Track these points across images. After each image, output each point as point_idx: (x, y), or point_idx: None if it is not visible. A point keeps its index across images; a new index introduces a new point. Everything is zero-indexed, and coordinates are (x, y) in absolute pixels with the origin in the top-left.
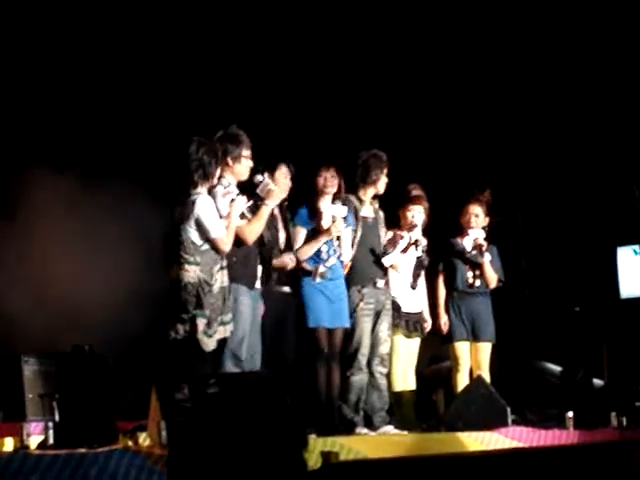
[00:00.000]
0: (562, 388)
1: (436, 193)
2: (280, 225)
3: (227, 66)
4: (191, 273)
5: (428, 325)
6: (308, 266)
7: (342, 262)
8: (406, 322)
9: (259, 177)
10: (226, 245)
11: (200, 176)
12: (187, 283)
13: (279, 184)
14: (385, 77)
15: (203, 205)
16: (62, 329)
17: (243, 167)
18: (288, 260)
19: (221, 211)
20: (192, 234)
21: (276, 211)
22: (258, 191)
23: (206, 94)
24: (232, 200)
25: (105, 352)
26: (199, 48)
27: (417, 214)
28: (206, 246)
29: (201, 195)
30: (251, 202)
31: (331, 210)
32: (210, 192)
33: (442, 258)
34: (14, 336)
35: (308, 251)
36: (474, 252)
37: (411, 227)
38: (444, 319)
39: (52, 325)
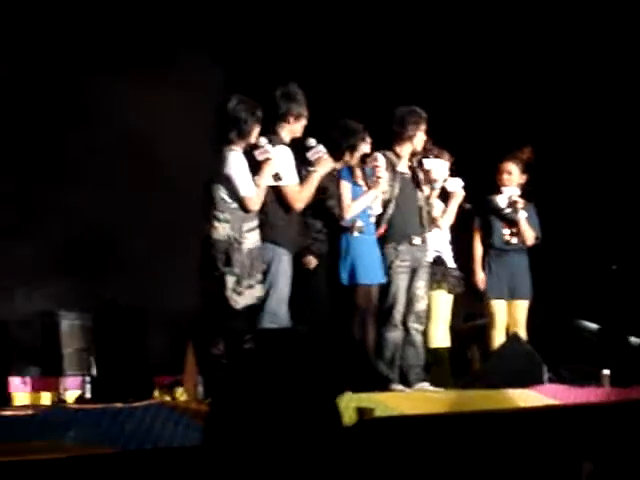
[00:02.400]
0: (599, 346)
1: (474, 150)
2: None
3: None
4: (220, 230)
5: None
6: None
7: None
8: (452, 278)
9: (311, 141)
10: (255, 205)
11: (236, 134)
12: (217, 240)
13: None
14: (425, 35)
15: (234, 162)
16: (99, 283)
17: (300, 126)
18: (311, 259)
19: (255, 170)
20: (222, 191)
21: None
22: (308, 155)
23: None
24: (267, 159)
25: (142, 307)
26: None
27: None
28: (235, 204)
29: (233, 152)
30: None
31: (381, 162)
32: (246, 151)
33: (478, 215)
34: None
35: (358, 207)
36: (509, 209)
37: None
38: (481, 276)
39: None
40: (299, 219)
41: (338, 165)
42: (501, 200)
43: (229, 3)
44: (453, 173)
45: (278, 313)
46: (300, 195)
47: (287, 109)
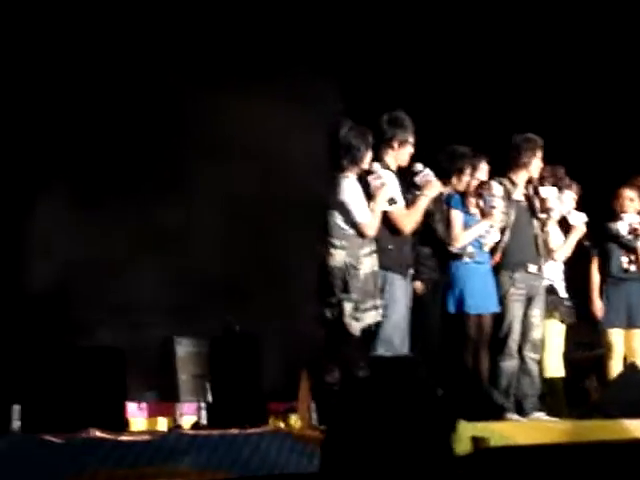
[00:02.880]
0: None
1: (588, 177)
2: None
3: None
4: (337, 257)
5: None
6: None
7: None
8: (565, 308)
9: (419, 166)
10: (371, 230)
11: (349, 160)
12: (334, 267)
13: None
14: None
15: (349, 189)
16: (213, 310)
17: (406, 152)
18: (419, 285)
19: (369, 196)
20: (338, 218)
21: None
22: (417, 180)
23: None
24: (382, 184)
25: (257, 333)
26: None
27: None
28: (352, 230)
29: (347, 179)
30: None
31: (497, 191)
32: (360, 177)
33: (596, 243)
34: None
35: (469, 236)
36: (630, 236)
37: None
38: (599, 305)
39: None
40: (410, 244)
41: (446, 190)
42: (622, 227)
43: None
44: (578, 207)
45: (392, 340)
46: (408, 219)
47: (392, 135)
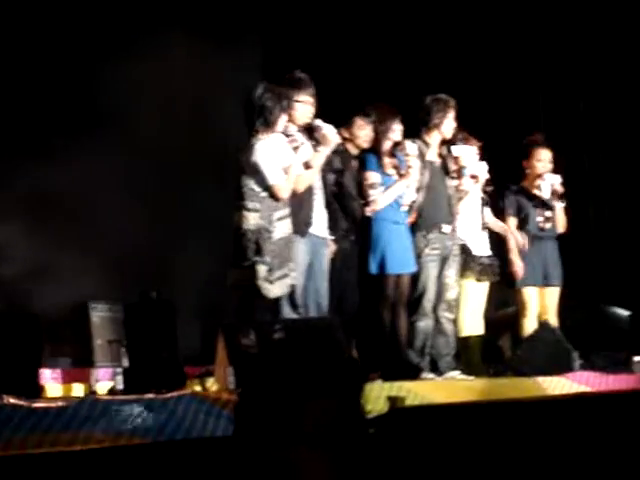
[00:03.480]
0: (630, 332)
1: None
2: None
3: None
4: (250, 220)
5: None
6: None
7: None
8: (478, 265)
9: (316, 122)
10: (284, 193)
11: (262, 123)
12: (247, 230)
13: (358, 137)
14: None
15: (262, 151)
16: (129, 276)
17: (299, 112)
18: (333, 246)
19: (284, 158)
20: (251, 180)
21: (353, 163)
22: (315, 136)
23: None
24: (296, 148)
25: (173, 298)
26: None
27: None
28: (265, 193)
29: (261, 141)
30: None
31: (412, 150)
32: (274, 139)
33: (513, 202)
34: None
35: (388, 198)
36: (550, 197)
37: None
38: (520, 264)
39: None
40: (308, 202)
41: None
42: (544, 187)
43: None
44: (480, 158)
45: (294, 300)
46: (303, 177)
47: (292, 95)
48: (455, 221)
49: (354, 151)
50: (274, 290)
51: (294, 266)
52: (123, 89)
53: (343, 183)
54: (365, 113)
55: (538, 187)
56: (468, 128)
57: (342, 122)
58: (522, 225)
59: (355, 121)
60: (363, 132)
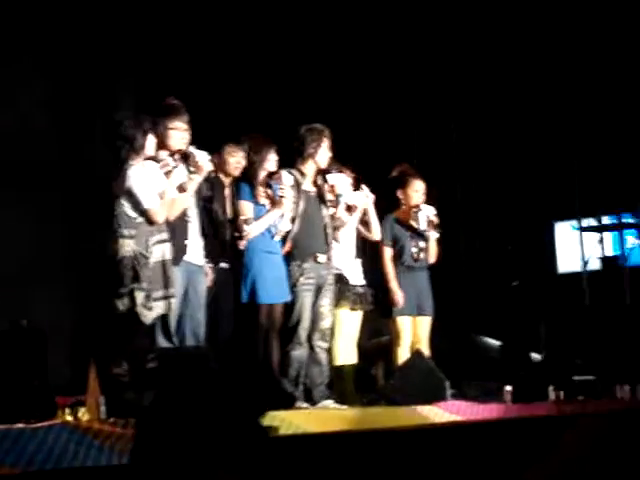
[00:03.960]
0: (501, 362)
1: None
2: (228, 202)
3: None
4: (126, 247)
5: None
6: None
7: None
8: (353, 295)
9: (190, 149)
10: (159, 216)
11: (128, 150)
12: (123, 257)
13: (228, 164)
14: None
15: (135, 176)
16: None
17: (173, 139)
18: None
19: (158, 183)
20: (125, 207)
21: (227, 192)
22: (189, 163)
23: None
24: (168, 172)
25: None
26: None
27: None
28: (140, 219)
29: (133, 166)
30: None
31: (286, 180)
32: (145, 164)
33: (389, 232)
34: None
35: (261, 226)
36: (426, 227)
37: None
38: (400, 293)
39: None
40: (183, 230)
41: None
42: (421, 218)
43: None
44: (355, 188)
45: (168, 328)
46: (175, 204)
47: (162, 122)
48: (330, 250)
49: (225, 179)
50: (151, 315)
51: (172, 291)
52: None
53: (212, 209)
54: (237, 140)
55: (414, 218)
56: (342, 159)
57: (213, 149)
58: (398, 256)
59: (225, 148)
60: (234, 159)
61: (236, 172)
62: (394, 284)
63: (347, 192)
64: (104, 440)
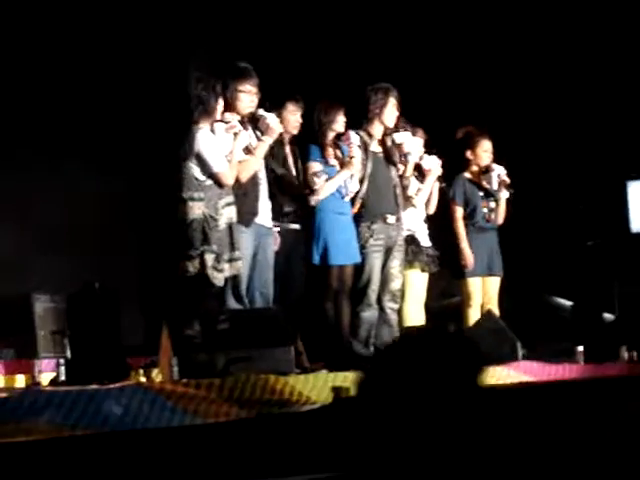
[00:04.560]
0: (573, 322)
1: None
2: (291, 162)
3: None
4: (196, 210)
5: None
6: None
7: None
8: (426, 257)
9: (260, 111)
10: (229, 179)
11: (200, 112)
12: (193, 220)
13: (288, 122)
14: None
15: (203, 140)
16: (71, 266)
17: (243, 102)
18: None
19: (225, 146)
20: (194, 170)
21: (287, 149)
22: (259, 125)
23: (213, 29)
24: (235, 134)
25: (116, 288)
26: None
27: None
28: (209, 181)
29: (201, 130)
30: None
31: (354, 140)
32: (213, 128)
33: (462, 193)
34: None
35: (331, 187)
36: (497, 188)
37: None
38: (470, 254)
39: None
40: (254, 192)
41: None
42: (491, 178)
43: None
44: (428, 151)
45: (238, 290)
46: (244, 165)
47: (233, 85)
48: (400, 211)
49: (285, 136)
50: (221, 277)
51: (240, 254)
52: None
53: (286, 169)
54: (295, 98)
55: (486, 178)
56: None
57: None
58: (470, 216)
59: (287, 106)
60: (294, 117)
61: (294, 130)
62: (465, 245)
63: (417, 152)
64: (177, 401)
